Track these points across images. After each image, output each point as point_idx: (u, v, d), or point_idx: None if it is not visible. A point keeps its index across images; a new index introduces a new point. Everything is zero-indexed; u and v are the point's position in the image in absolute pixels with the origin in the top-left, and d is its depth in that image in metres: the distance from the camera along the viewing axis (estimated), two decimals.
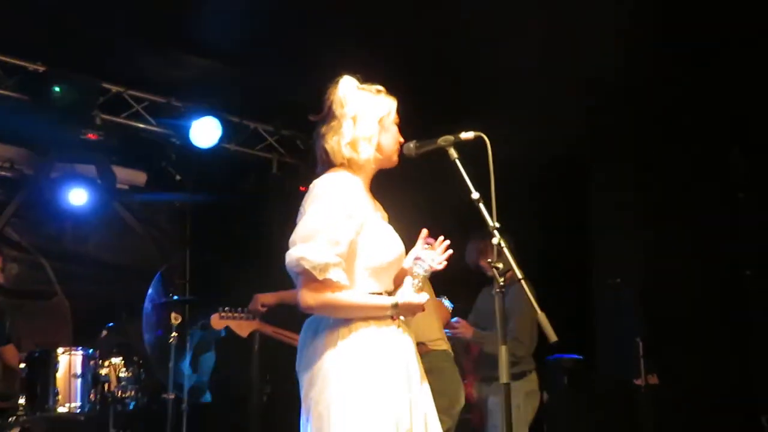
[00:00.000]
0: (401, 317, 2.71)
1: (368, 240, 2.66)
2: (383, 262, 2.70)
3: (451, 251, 2.81)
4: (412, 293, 2.70)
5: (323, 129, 2.78)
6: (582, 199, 6.80)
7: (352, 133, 2.73)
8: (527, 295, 4.79)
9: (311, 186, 2.69)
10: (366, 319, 2.63)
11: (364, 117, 2.76)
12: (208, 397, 6.42)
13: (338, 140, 2.73)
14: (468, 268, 5.12)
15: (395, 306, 2.64)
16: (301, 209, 2.67)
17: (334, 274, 2.53)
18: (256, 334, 4.82)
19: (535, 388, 5.07)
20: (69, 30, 5.04)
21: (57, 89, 5.35)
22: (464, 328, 4.93)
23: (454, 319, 5.03)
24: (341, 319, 2.61)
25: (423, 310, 2.72)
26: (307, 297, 2.55)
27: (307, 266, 2.50)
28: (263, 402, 6.06)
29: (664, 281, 6.03)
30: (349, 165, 2.75)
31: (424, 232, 2.84)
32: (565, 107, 5.76)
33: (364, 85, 2.82)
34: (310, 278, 2.52)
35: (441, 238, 2.83)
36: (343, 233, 2.57)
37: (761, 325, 5.86)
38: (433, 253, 2.78)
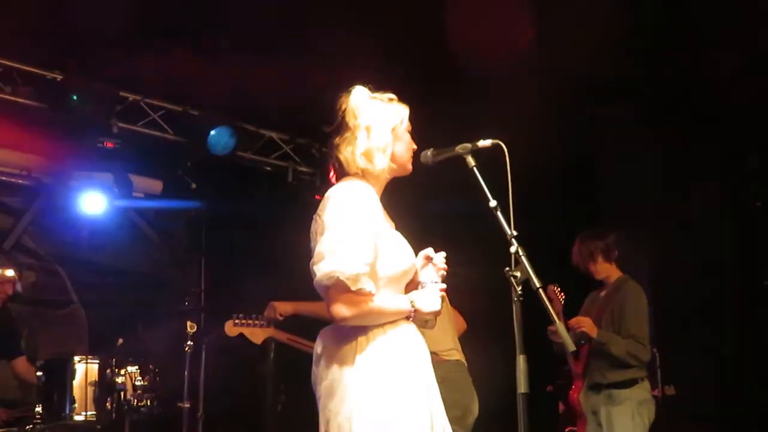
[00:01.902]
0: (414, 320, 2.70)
1: (384, 249, 2.65)
2: (398, 271, 2.69)
3: (444, 266, 2.78)
4: (426, 296, 2.69)
5: (337, 140, 2.77)
6: (591, 204, 6.76)
7: (366, 143, 2.73)
8: (641, 293, 4.84)
9: (326, 195, 2.68)
10: (382, 325, 2.62)
11: (377, 127, 2.75)
12: (219, 405, 6.42)
13: (352, 151, 2.73)
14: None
15: (413, 302, 2.64)
16: (317, 218, 2.67)
17: (366, 284, 2.52)
18: (272, 342, 4.82)
19: (648, 396, 4.84)
20: (87, 38, 5.07)
21: (74, 97, 5.40)
22: (590, 327, 4.82)
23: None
24: (358, 327, 2.60)
25: (438, 314, 2.70)
26: (341, 309, 2.53)
27: (341, 278, 2.48)
28: (278, 411, 6.06)
29: (679, 291, 5.99)
30: (363, 175, 2.74)
31: (427, 251, 2.82)
32: (571, 106, 5.75)
33: (376, 94, 2.82)
34: (343, 290, 2.50)
35: (442, 253, 2.81)
36: (367, 242, 2.56)
37: None
38: (431, 271, 2.77)
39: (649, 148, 6.36)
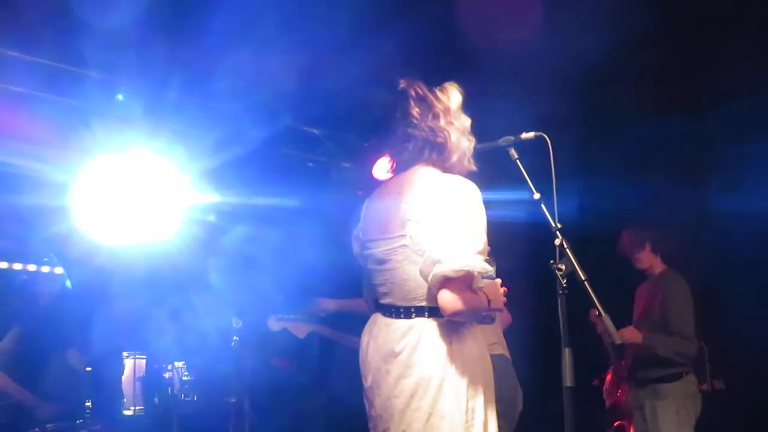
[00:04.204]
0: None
1: None
2: None
3: None
4: (495, 292, 2.72)
5: (446, 133, 2.74)
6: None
7: (468, 146, 2.78)
8: (685, 286, 4.84)
9: (446, 185, 2.65)
10: (466, 325, 2.65)
11: (467, 131, 2.81)
12: (264, 399, 6.46)
13: (461, 150, 2.76)
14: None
15: (489, 300, 2.67)
16: (430, 207, 2.62)
17: (482, 283, 2.57)
18: (317, 339, 4.85)
19: (695, 390, 4.87)
20: (131, 40, 5.13)
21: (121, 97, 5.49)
22: (632, 335, 4.81)
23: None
24: (449, 325, 2.60)
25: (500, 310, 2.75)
26: (459, 302, 2.51)
27: (474, 273, 2.51)
28: (323, 404, 6.08)
29: (728, 281, 5.89)
30: (457, 164, 2.77)
31: None
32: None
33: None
34: (467, 285, 2.52)
35: None
36: (485, 241, 2.59)
37: None
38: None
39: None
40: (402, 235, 2.64)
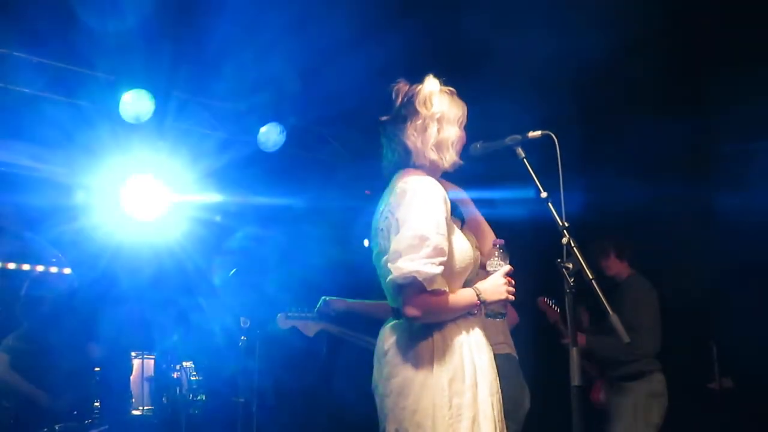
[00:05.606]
0: (485, 312, 2.71)
1: (452, 245, 2.64)
2: (463, 265, 2.69)
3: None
4: (490, 285, 2.69)
5: (407, 126, 2.73)
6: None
7: (437, 135, 2.71)
8: (646, 285, 4.88)
9: (401, 190, 2.64)
10: (456, 321, 2.62)
11: (448, 120, 2.74)
12: (272, 399, 6.47)
13: (423, 140, 2.70)
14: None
15: (479, 294, 2.65)
16: (389, 215, 2.64)
17: (441, 284, 2.54)
18: (324, 339, 4.85)
19: (660, 390, 4.89)
20: (137, 41, 5.15)
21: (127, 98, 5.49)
22: (580, 340, 4.86)
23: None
24: (433, 326, 2.60)
25: (504, 302, 2.71)
26: (414, 309, 2.53)
27: (419, 278, 2.48)
28: (331, 404, 6.10)
29: (734, 279, 5.88)
30: (429, 167, 2.72)
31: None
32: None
33: (442, 87, 2.80)
34: (419, 290, 2.51)
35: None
36: (444, 241, 2.55)
37: None
38: (496, 258, 2.77)
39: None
40: (378, 243, 2.70)
